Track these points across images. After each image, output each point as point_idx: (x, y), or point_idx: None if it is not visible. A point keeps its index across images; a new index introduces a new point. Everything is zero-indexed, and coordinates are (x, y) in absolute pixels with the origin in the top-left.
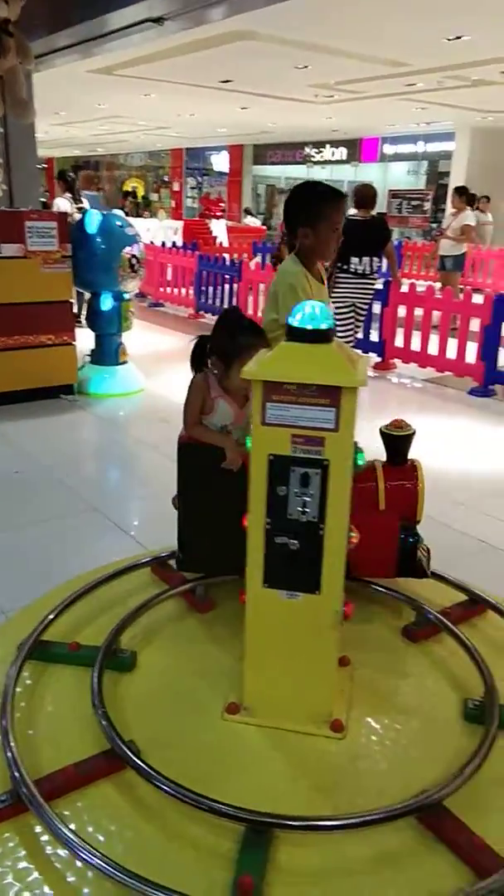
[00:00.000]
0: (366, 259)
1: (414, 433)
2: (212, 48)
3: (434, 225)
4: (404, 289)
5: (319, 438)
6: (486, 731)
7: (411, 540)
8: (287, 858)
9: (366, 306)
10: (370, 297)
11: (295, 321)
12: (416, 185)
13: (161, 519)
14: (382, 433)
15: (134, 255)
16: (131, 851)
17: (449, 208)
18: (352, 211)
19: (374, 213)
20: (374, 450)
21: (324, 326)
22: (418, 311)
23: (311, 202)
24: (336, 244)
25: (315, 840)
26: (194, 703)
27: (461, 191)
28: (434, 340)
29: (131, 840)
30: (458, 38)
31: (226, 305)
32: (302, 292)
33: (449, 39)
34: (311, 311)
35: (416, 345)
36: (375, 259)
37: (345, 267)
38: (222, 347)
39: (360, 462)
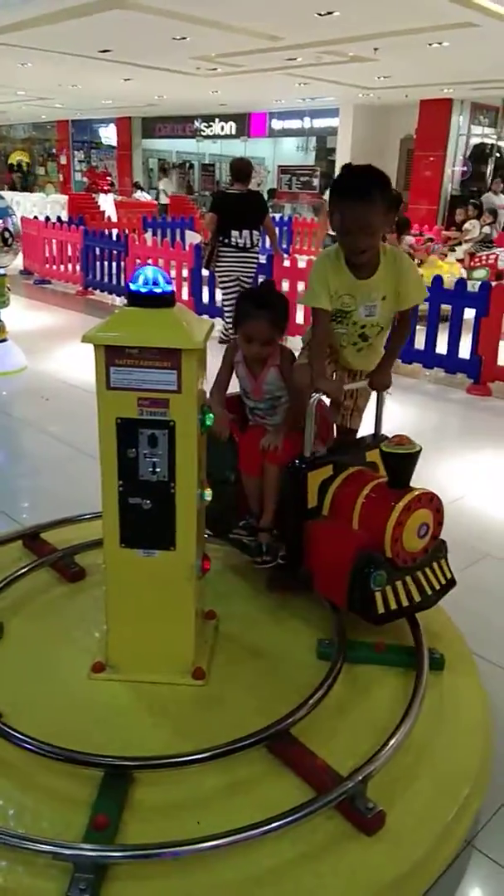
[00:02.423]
0: (245, 232)
1: (418, 452)
2: (86, 16)
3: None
4: (286, 263)
5: (164, 400)
6: (332, 665)
7: (367, 574)
8: (144, 798)
9: (250, 280)
10: (253, 270)
11: (135, 286)
12: (306, 160)
13: (39, 495)
14: (381, 451)
15: (6, 229)
16: None
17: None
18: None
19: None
20: None
21: (163, 291)
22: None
23: (331, 190)
24: (356, 244)
25: (171, 778)
26: (61, 666)
27: None
28: None
29: None
30: (330, 13)
31: (114, 282)
32: (315, 275)
33: (321, 14)
34: (150, 276)
35: (300, 318)
36: (255, 232)
37: (226, 241)
38: (235, 314)
39: (208, 423)
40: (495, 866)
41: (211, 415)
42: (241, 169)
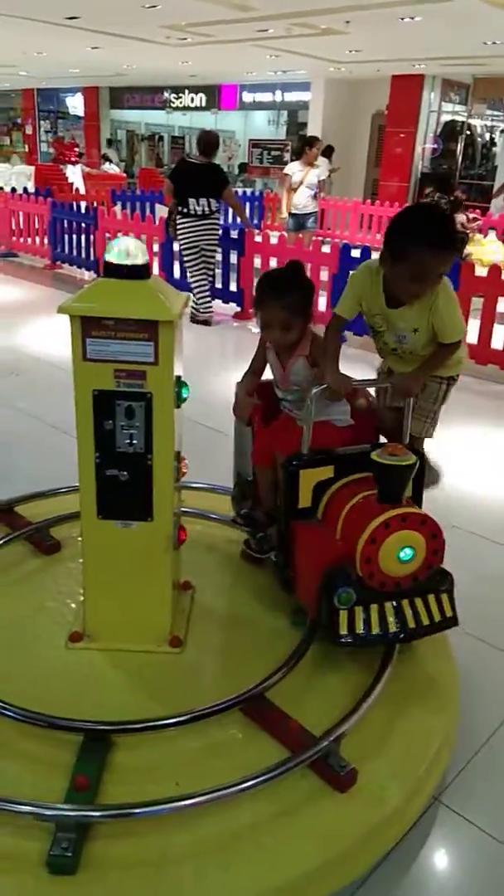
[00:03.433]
0: (203, 200)
1: (411, 465)
2: None
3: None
4: (258, 238)
5: (141, 372)
6: (306, 632)
7: (333, 590)
8: (123, 760)
9: (212, 249)
10: (215, 238)
11: (110, 257)
12: (277, 135)
13: (10, 471)
14: (372, 460)
15: None
16: None
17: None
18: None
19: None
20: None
21: (139, 262)
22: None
23: (400, 233)
24: (419, 293)
25: (149, 742)
26: (38, 637)
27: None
28: None
29: None
30: None
31: (83, 255)
32: (349, 283)
33: None
34: (125, 247)
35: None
36: (213, 200)
37: (184, 210)
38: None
39: (184, 395)
40: (462, 820)
41: (187, 387)
42: (209, 142)
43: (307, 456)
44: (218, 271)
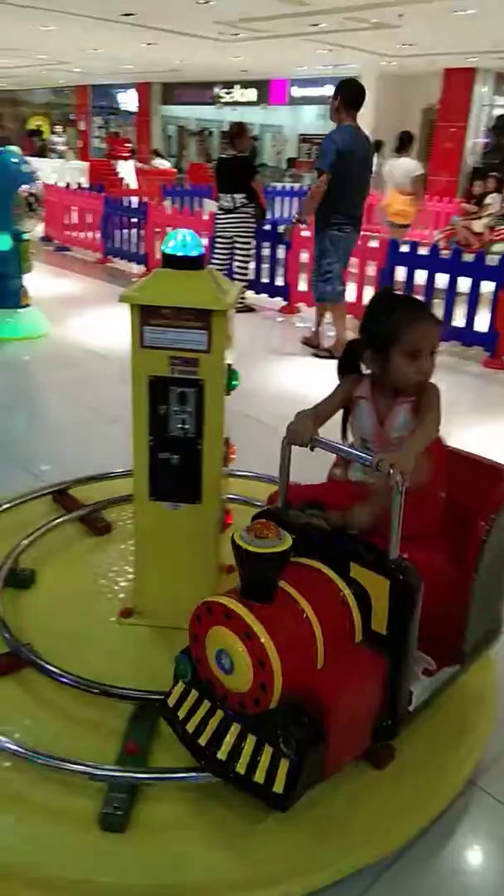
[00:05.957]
0: (229, 196)
1: (276, 555)
2: None
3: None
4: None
5: (194, 359)
6: None
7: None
8: (170, 729)
9: (244, 241)
10: (246, 231)
11: (168, 248)
12: (326, 129)
13: (63, 459)
14: (232, 542)
15: (32, 194)
16: (29, 735)
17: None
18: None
19: (246, 152)
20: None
21: (194, 254)
22: None
23: None
24: None
25: None
26: (90, 612)
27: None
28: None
29: (30, 726)
30: None
31: (133, 249)
32: None
33: None
34: (182, 239)
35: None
36: (238, 195)
37: (219, 205)
38: (376, 332)
39: (235, 382)
40: (496, 803)
41: (237, 373)
42: (234, 134)
43: (277, 509)
44: (265, 266)
